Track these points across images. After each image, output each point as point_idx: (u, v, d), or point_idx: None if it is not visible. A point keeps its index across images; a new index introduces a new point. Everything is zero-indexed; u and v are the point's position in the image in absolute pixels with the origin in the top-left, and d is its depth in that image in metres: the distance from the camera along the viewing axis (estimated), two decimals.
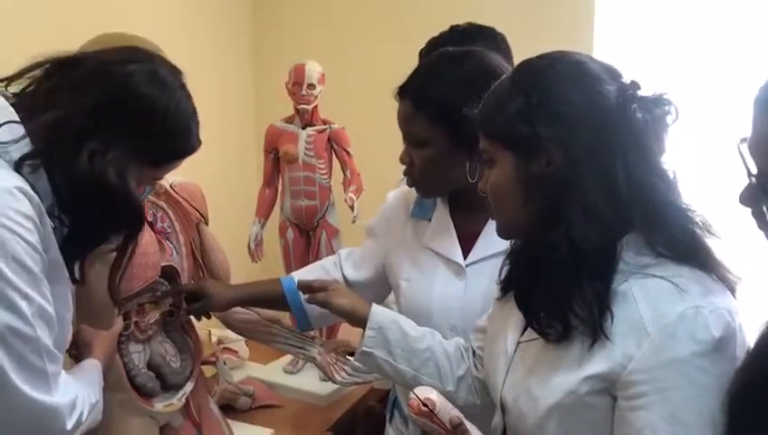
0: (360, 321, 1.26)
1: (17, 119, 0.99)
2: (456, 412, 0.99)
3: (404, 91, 1.31)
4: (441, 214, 1.38)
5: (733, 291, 0.92)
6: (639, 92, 0.93)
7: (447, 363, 1.23)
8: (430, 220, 1.40)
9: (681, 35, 2.08)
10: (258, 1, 2.76)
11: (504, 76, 1.02)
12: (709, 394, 0.84)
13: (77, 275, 1.09)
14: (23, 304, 0.91)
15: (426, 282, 1.37)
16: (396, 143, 2.21)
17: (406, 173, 1.35)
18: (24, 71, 1.05)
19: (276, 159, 2.13)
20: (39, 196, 0.96)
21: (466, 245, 1.34)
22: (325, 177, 2.10)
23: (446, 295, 1.34)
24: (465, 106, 1.09)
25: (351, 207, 2.05)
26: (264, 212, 2.18)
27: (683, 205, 0.93)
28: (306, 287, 1.35)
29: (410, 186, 1.37)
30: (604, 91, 0.92)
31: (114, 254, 1.21)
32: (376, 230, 1.52)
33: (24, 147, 0.97)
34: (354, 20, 2.58)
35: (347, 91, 2.44)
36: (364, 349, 1.23)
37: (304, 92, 2.03)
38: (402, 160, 1.34)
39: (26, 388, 0.92)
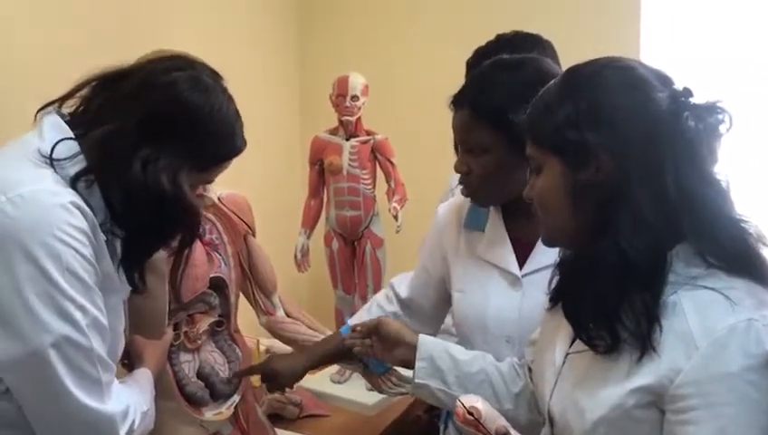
0: (407, 345, 1.26)
1: (72, 136, 1.03)
2: (502, 421, 0.98)
3: (461, 100, 1.29)
4: (495, 224, 1.36)
5: None
6: (692, 100, 0.91)
7: (502, 383, 1.23)
8: (483, 231, 1.38)
9: (729, 42, 2.02)
10: (303, 16, 2.79)
11: (552, 82, 1.00)
12: (760, 410, 0.82)
13: (138, 283, 1.13)
14: (78, 315, 0.95)
15: (481, 293, 1.36)
16: (439, 153, 2.21)
17: (462, 182, 1.34)
18: (74, 90, 1.10)
19: (321, 170, 2.15)
20: (92, 210, 1.00)
21: (522, 255, 1.33)
22: (369, 187, 2.12)
23: (501, 307, 1.32)
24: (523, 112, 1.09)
25: (396, 217, 2.06)
26: (309, 223, 2.20)
27: (736, 215, 0.91)
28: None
29: (467, 195, 1.36)
30: (655, 98, 0.90)
31: (165, 264, 1.26)
32: (428, 245, 1.52)
33: (79, 163, 1.01)
34: (397, 32, 2.59)
35: (391, 101, 2.45)
36: (417, 381, 1.23)
37: (348, 104, 2.05)
38: (458, 169, 1.33)
39: (81, 395, 0.96)
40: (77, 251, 0.95)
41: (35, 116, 1.09)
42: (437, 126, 2.44)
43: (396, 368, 1.68)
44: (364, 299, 2.16)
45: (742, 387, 0.82)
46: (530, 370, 1.23)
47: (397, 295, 1.55)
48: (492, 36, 1.74)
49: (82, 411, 0.97)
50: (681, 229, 0.89)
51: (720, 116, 0.90)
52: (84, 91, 1.10)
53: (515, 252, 1.33)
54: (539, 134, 0.98)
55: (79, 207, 0.97)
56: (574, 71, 0.98)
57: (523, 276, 1.31)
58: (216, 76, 1.15)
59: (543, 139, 0.97)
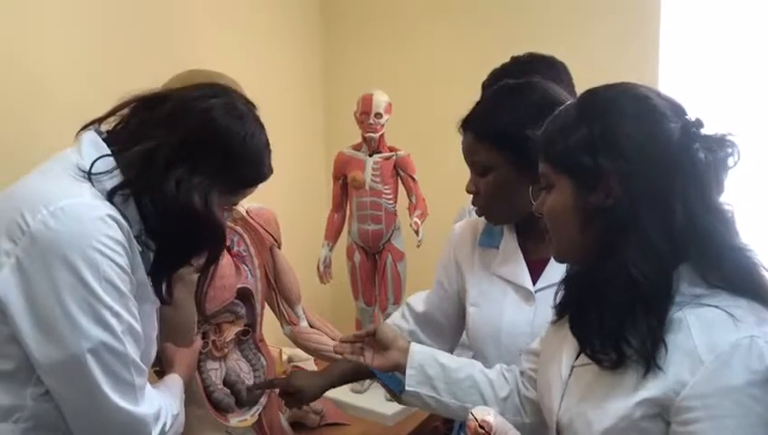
0: (400, 350, 1.28)
1: (109, 152, 1.09)
2: (515, 433, 1.01)
3: (466, 124, 1.35)
4: (509, 241, 1.40)
5: None
6: (703, 131, 0.93)
7: (490, 389, 1.26)
8: (498, 248, 1.42)
9: (749, 67, 2.03)
10: (327, 34, 2.84)
11: (570, 103, 1.03)
12: (761, 424, 0.84)
13: (165, 295, 1.18)
14: (114, 322, 1.00)
15: (495, 308, 1.39)
16: (460, 170, 2.25)
17: (473, 202, 1.39)
18: (114, 110, 1.16)
19: (344, 184, 2.19)
20: (128, 222, 1.05)
21: (535, 271, 1.36)
22: (391, 202, 2.15)
23: (515, 321, 1.35)
24: (527, 131, 1.12)
25: (416, 232, 2.09)
26: (332, 235, 2.24)
27: (739, 244, 0.94)
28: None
29: (479, 215, 1.40)
30: (667, 128, 0.92)
31: (195, 276, 1.30)
32: (443, 261, 1.56)
33: (116, 178, 1.07)
34: (420, 52, 2.62)
35: (413, 119, 2.48)
36: (408, 389, 1.26)
37: (372, 121, 2.09)
38: (468, 190, 1.38)
39: (116, 398, 1.02)
40: (113, 261, 1.00)
41: (77, 134, 1.14)
42: (458, 143, 2.49)
43: None
44: (384, 311, 2.20)
45: (745, 401, 0.84)
46: (523, 374, 1.27)
47: (413, 311, 1.58)
48: (515, 53, 1.77)
49: (117, 413, 1.02)
50: (686, 253, 0.92)
51: (729, 149, 0.92)
52: (123, 112, 1.15)
53: (529, 268, 1.36)
54: (552, 153, 1.01)
55: (115, 220, 1.02)
56: (591, 94, 1.01)
57: (536, 292, 1.34)
58: (249, 104, 1.21)
59: (556, 158, 1.00)
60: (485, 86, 1.75)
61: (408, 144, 2.21)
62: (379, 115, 2.09)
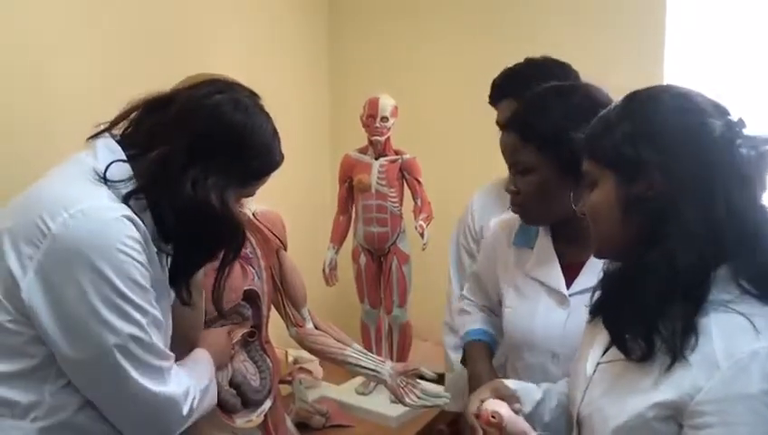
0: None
1: (124, 158, 1.11)
2: (523, 425, 1.05)
3: (510, 124, 1.35)
4: (544, 243, 1.40)
5: None
6: (745, 130, 0.95)
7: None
8: (532, 248, 1.42)
9: (755, 68, 2.03)
10: (333, 38, 2.85)
11: (614, 104, 1.05)
12: None
13: (185, 296, 1.21)
14: (138, 316, 1.04)
15: (528, 310, 1.40)
16: (465, 173, 2.27)
17: (512, 202, 1.39)
18: (122, 115, 1.17)
19: (350, 187, 2.21)
20: (144, 224, 1.07)
21: (569, 275, 1.36)
22: (396, 205, 2.17)
23: (548, 324, 1.36)
24: (572, 134, 1.14)
25: (422, 235, 2.09)
26: (338, 238, 2.26)
27: None
28: None
29: (516, 213, 1.40)
30: (709, 123, 0.94)
31: (201, 275, 1.32)
32: (484, 254, 1.58)
33: (131, 184, 1.09)
34: (426, 55, 2.63)
35: (419, 122, 2.49)
36: None
37: (378, 124, 2.10)
38: (507, 189, 1.38)
39: (147, 383, 1.06)
40: (134, 259, 1.03)
41: (87, 140, 1.15)
42: (464, 146, 2.52)
43: (420, 381, 1.73)
44: (389, 313, 2.21)
45: (759, 409, 0.85)
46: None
47: (473, 302, 1.63)
48: (519, 58, 1.77)
49: (150, 397, 1.07)
50: (724, 250, 0.92)
51: None
52: (133, 115, 1.17)
53: (563, 272, 1.36)
54: (597, 151, 1.03)
55: (132, 220, 1.05)
56: (634, 94, 1.03)
57: (570, 296, 1.34)
58: (253, 96, 1.22)
59: (601, 155, 1.02)
60: (496, 85, 1.74)
61: (413, 147, 2.23)
62: (385, 118, 2.11)
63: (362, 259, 2.22)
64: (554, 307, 1.36)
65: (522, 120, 1.33)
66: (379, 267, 2.22)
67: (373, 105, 2.11)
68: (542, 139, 1.28)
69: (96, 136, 1.15)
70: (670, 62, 2.17)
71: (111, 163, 1.08)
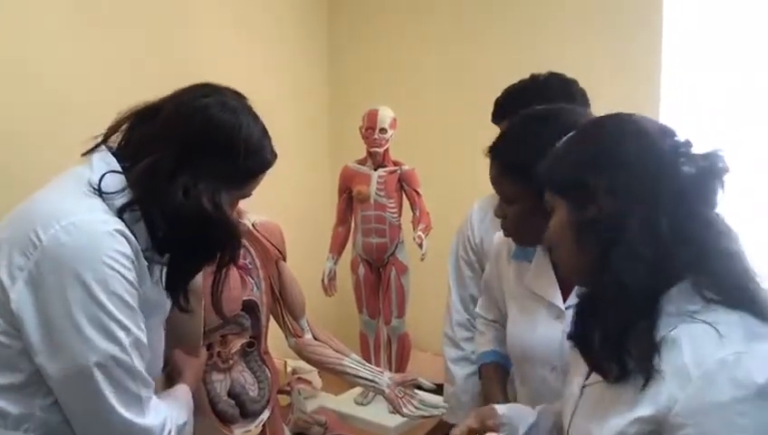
0: None
1: (119, 169, 1.11)
2: None
3: (492, 153, 1.36)
4: (540, 257, 1.41)
5: None
6: (691, 150, 0.97)
7: None
8: (530, 262, 1.43)
9: (750, 86, 2.05)
10: (333, 50, 2.88)
11: (566, 137, 1.08)
12: None
13: (183, 303, 1.20)
14: (122, 335, 1.02)
15: (527, 324, 1.41)
16: (463, 184, 2.27)
17: (502, 226, 1.40)
18: (113, 127, 1.17)
19: (349, 198, 2.22)
20: (136, 237, 1.07)
21: (566, 287, 1.37)
22: (395, 215, 2.18)
23: (546, 337, 1.37)
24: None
25: (420, 245, 2.11)
26: (337, 249, 2.27)
27: (732, 251, 0.96)
28: None
29: (506, 236, 1.42)
30: (654, 146, 0.96)
31: (200, 284, 1.32)
32: (489, 270, 1.59)
33: (126, 196, 1.08)
34: (425, 67, 2.65)
35: (418, 133, 2.51)
36: None
37: (377, 136, 2.12)
38: (496, 214, 1.40)
39: (122, 409, 1.03)
40: (122, 275, 1.02)
41: (82, 155, 1.15)
42: (461, 158, 2.52)
43: (417, 392, 1.74)
44: (388, 323, 2.22)
45: (733, 417, 0.85)
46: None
47: (484, 318, 1.64)
48: (517, 72, 1.76)
49: (123, 424, 1.04)
50: (678, 267, 0.94)
51: (716, 162, 0.96)
52: (124, 127, 1.17)
53: (561, 284, 1.37)
54: (551, 180, 1.06)
55: (124, 235, 1.04)
56: (583, 125, 1.08)
57: (566, 308, 1.35)
58: (239, 96, 1.22)
59: (554, 183, 1.05)
60: (499, 104, 1.73)
61: (412, 158, 2.24)
62: (383, 130, 2.12)
63: (361, 270, 2.23)
64: (552, 320, 1.37)
65: (500, 151, 1.34)
66: (378, 278, 2.23)
67: (372, 117, 2.13)
68: (521, 170, 1.28)
69: (92, 150, 1.15)
70: (667, 67, 2.19)
71: (105, 175, 1.08)
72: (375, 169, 2.17)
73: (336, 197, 2.28)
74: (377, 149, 2.13)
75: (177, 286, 1.18)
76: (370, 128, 2.13)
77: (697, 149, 0.98)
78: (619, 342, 0.95)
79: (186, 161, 1.10)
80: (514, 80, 1.73)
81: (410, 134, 2.34)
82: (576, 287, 1.33)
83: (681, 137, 0.99)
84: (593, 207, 0.98)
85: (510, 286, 1.48)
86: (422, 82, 2.66)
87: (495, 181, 1.36)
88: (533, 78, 1.71)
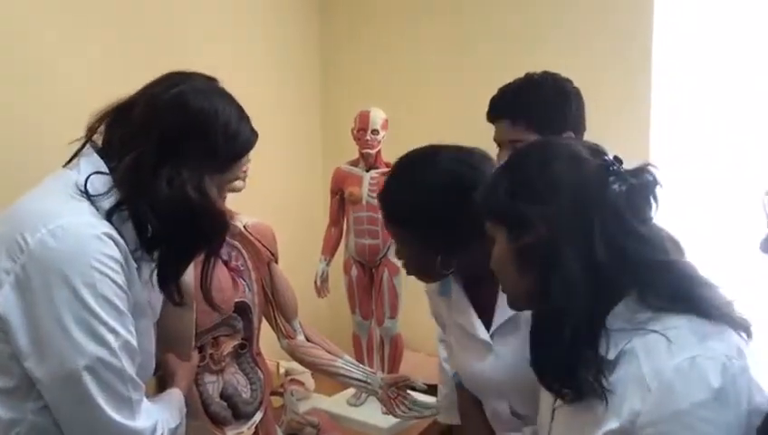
0: None
1: (105, 170, 1.10)
2: None
3: (378, 200, 1.43)
4: (456, 292, 1.43)
5: (745, 330, 0.94)
6: (620, 167, 0.99)
7: None
8: (451, 297, 1.45)
9: (740, 82, 2.06)
10: (325, 51, 2.87)
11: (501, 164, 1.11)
12: None
13: (176, 296, 1.20)
14: (110, 338, 1.02)
15: (463, 357, 1.44)
16: None
17: (403, 266, 1.44)
18: (91, 128, 1.16)
19: (342, 199, 2.21)
20: (124, 239, 1.06)
21: (488, 314, 1.37)
22: None
23: (482, 371, 1.38)
24: (428, 211, 1.24)
25: None
26: (329, 250, 2.26)
27: (669, 260, 0.97)
28: None
29: (408, 274, 1.44)
30: (582, 168, 0.98)
31: (192, 286, 1.32)
32: (431, 306, 1.61)
33: (113, 197, 1.08)
34: (418, 67, 2.65)
35: (411, 134, 2.50)
36: None
37: (368, 137, 2.12)
38: (396, 256, 1.45)
39: (112, 413, 1.03)
40: (111, 278, 1.02)
41: (72, 157, 1.15)
42: None
43: (410, 392, 1.74)
44: (380, 325, 2.22)
45: (694, 423, 0.86)
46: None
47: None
48: (511, 73, 1.75)
49: (113, 427, 1.04)
50: (619, 284, 0.96)
51: (647, 177, 0.98)
52: (105, 125, 1.16)
53: (482, 314, 1.38)
54: (487, 210, 1.07)
55: (112, 238, 1.04)
56: (515, 151, 1.11)
57: (492, 336, 1.36)
58: (210, 80, 1.21)
59: (490, 213, 1.07)
60: (494, 103, 1.73)
61: None
62: (375, 131, 2.12)
63: (354, 271, 2.22)
64: (482, 353, 1.37)
65: (382, 202, 1.39)
66: (371, 279, 2.23)
67: (364, 118, 2.12)
68: (399, 218, 1.34)
69: (78, 152, 1.14)
70: (658, 67, 2.20)
71: (89, 176, 1.07)
72: (367, 171, 2.17)
73: (328, 198, 2.27)
74: (369, 151, 2.13)
75: (168, 280, 1.17)
76: (362, 129, 2.12)
77: (628, 165, 0.99)
78: (568, 366, 0.96)
79: (167, 152, 1.10)
80: (508, 81, 1.73)
81: (403, 135, 2.34)
82: (497, 313, 1.34)
83: (610, 155, 1.01)
84: (529, 235, 0.99)
85: (446, 321, 1.49)
86: (415, 84, 2.66)
87: (385, 226, 1.43)
88: (528, 77, 1.71)
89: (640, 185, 0.97)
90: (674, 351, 0.89)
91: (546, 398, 1.10)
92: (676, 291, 0.95)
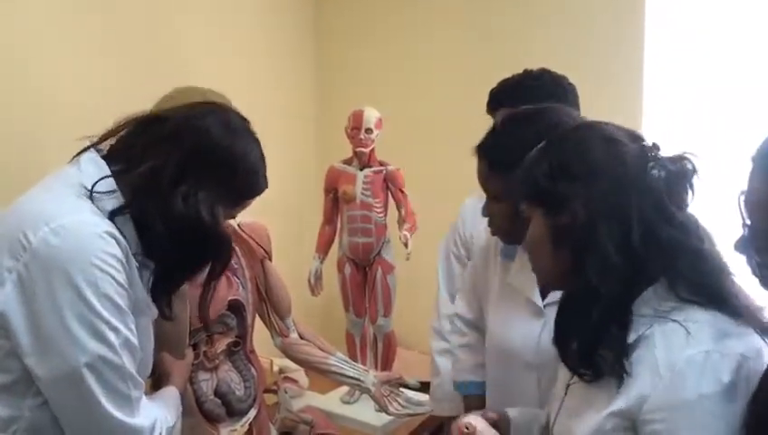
0: None
1: (109, 173, 1.11)
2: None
3: (480, 151, 1.37)
4: (523, 255, 1.42)
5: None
6: (659, 153, 0.99)
7: None
8: (514, 260, 1.45)
9: (731, 81, 2.07)
10: (320, 50, 2.88)
11: (538, 146, 1.10)
12: None
13: (166, 311, 1.21)
14: (111, 336, 1.02)
15: (507, 320, 1.43)
16: (449, 184, 2.28)
17: (489, 224, 1.41)
18: (110, 132, 1.18)
19: (335, 198, 2.23)
20: (126, 240, 1.07)
21: (547, 287, 1.37)
22: (381, 215, 2.19)
23: (524, 334, 1.38)
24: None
25: (406, 245, 2.12)
26: (323, 248, 2.27)
27: (706, 252, 0.98)
28: None
29: (492, 235, 1.43)
30: (622, 152, 0.99)
31: (186, 288, 1.33)
32: (473, 266, 1.61)
33: (116, 199, 1.09)
34: (412, 66, 2.66)
35: (404, 133, 2.52)
36: None
37: (362, 136, 2.13)
38: (483, 213, 1.41)
39: (113, 410, 1.04)
40: (112, 277, 1.02)
41: (74, 157, 1.15)
42: (447, 158, 2.53)
43: (403, 390, 1.75)
44: (374, 322, 2.23)
45: (699, 414, 0.88)
46: None
47: (462, 319, 1.65)
48: (505, 72, 1.78)
49: (113, 424, 1.04)
50: (651, 269, 0.96)
51: (685, 165, 0.98)
52: (123, 132, 1.17)
53: (541, 284, 1.38)
54: (525, 189, 1.08)
55: (114, 237, 1.04)
56: (555, 134, 1.10)
57: (545, 306, 1.37)
58: (244, 120, 1.24)
59: (528, 192, 1.07)
60: (493, 95, 1.76)
61: (397, 158, 2.25)
62: (369, 130, 2.13)
63: (347, 269, 2.23)
64: (530, 318, 1.38)
65: (488, 149, 1.35)
66: (364, 277, 2.24)
67: (358, 117, 2.13)
68: (507, 168, 1.27)
69: (81, 152, 1.15)
70: (649, 65, 2.22)
71: (100, 180, 1.08)
72: (361, 169, 2.18)
73: (322, 196, 2.28)
74: (362, 150, 2.14)
75: (162, 294, 1.18)
76: (356, 128, 2.13)
77: (667, 151, 1.00)
78: (592, 345, 0.97)
79: (190, 173, 1.12)
80: (502, 79, 1.76)
81: (397, 134, 2.35)
82: None
83: (649, 141, 1.02)
84: (566, 216, 1.00)
85: (493, 283, 1.49)
86: (409, 83, 2.67)
87: (483, 179, 1.37)
88: (527, 73, 1.74)
89: (679, 172, 0.98)
90: (691, 343, 0.91)
91: (564, 373, 1.12)
92: (706, 281, 0.96)
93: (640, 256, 0.95)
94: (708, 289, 0.95)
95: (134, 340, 1.07)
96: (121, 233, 1.07)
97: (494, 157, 1.33)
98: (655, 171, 0.97)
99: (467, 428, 1.12)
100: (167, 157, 1.12)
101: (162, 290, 1.18)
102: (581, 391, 1.04)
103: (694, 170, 0.99)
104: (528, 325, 1.38)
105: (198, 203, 1.12)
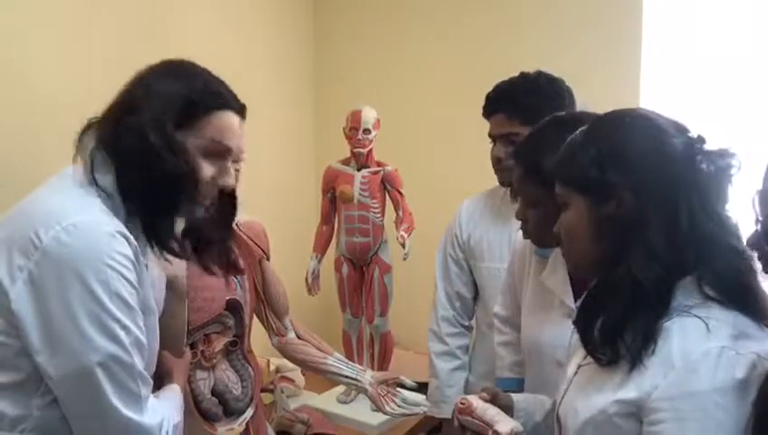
0: None
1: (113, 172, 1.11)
2: (493, 412, 1.15)
3: (517, 156, 1.38)
4: (558, 256, 1.43)
5: None
6: (705, 146, 0.99)
7: None
8: (549, 258, 1.46)
9: (728, 81, 2.09)
10: (319, 51, 2.89)
11: (579, 130, 1.09)
12: (723, 430, 0.88)
13: (179, 250, 1.19)
14: (122, 334, 1.03)
15: (539, 318, 1.44)
16: (446, 185, 2.29)
17: (522, 228, 1.43)
18: (91, 123, 1.17)
19: (333, 198, 2.23)
20: (135, 237, 1.08)
21: (579, 287, 1.38)
22: (378, 215, 2.20)
23: (555, 334, 1.39)
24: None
25: (403, 245, 2.12)
26: (321, 248, 2.28)
27: (740, 252, 0.98)
28: None
29: (525, 238, 1.44)
30: (671, 142, 0.99)
31: (184, 284, 1.32)
32: (514, 262, 1.62)
33: (108, 169, 1.10)
34: (410, 67, 2.67)
35: (402, 134, 2.52)
36: None
37: (360, 137, 2.13)
38: (517, 217, 1.42)
39: (122, 408, 1.04)
40: (123, 276, 1.03)
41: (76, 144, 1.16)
42: (444, 160, 2.55)
43: (400, 390, 1.75)
44: (371, 322, 2.23)
45: (708, 407, 0.88)
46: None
47: (500, 317, 1.67)
48: (502, 72, 1.78)
49: (123, 422, 1.05)
50: (688, 263, 0.97)
51: (730, 160, 0.98)
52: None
53: (574, 284, 1.39)
54: (566, 175, 1.07)
55: (124, 236, 1.05)
56: (598, 118, 1.09)
57: (576, 308, 1.34)
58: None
59: (570, 179, 1.07)
60: (490, 98, 1.76)
61: (395, 159, 2.26)
62: (367, 131, 2.13)
63: (344, 269, 2.24)
64: (562, 317, 1.38)
65: (525, 155, 1.36)
66: (361, 277, 2.25)
67: (356, 117, 2.14)
68: (543, 174, 1.28)
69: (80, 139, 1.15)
70: (647, 67, 2.23)
71: (94, 160, 1.09)
72: (358, 170, 2.18)
73: (320, 196, 2.28)
74: (360, 150, 2.15)
75: (163, 237, 1.16)
76: (354, 128, 2.14)
77: (709, 145, 1.00)
78: (618, 328, 0.98)
79: (134, 101, 1.12)
80: (499, 80, 1.76)
81: (395, 135, 2.35)
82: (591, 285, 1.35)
83: (694, 133, 1.02)
84: (613, 204, 1.00)
85: (528, 280, 1.51)
86: (407, 83, 2.67)
87: (518, 183, 1.38)
88: (523, 75, 1.75)
89: (726, 167, 0.98)
90: (709, 338, 0.91)
91: (578, 354, 1.13)
92: (734, 282, 0.96)
93: (683, 248, 0.96)
94: (735, 288, 0.96)
95: (143, 339, 1.08)
96: (130, 230, 1.07)
97: (531, 162, 1.33)
98: (704, 165, 0.97)
99: (462, 403, 1.16)
100: (122, 98, 1.14)
101: (159, 233, 1.15)
102: (592, 373, 1.05)
103: (738, 167, 0.98)
104: (560, 326, 1.38)
105: (142, 126, 1.09)
